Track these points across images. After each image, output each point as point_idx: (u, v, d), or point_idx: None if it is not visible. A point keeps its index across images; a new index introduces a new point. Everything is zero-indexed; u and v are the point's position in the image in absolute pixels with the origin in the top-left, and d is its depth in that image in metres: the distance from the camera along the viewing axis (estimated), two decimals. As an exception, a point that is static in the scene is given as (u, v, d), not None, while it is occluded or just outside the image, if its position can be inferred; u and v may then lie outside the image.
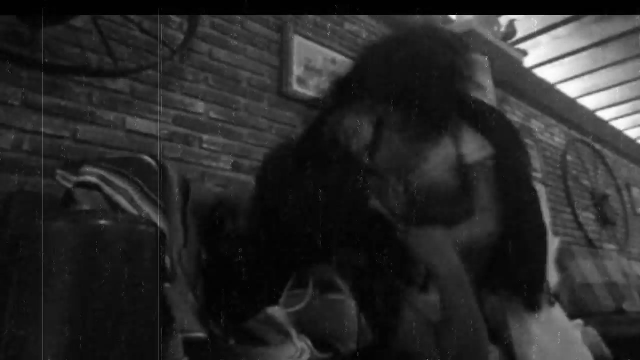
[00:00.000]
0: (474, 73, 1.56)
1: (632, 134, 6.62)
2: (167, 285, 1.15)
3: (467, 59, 1.54)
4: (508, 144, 1.54)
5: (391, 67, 1.44)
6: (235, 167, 2.48)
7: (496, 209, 1.52)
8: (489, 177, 1.52)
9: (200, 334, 1.10)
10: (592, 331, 1.94)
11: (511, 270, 1.47)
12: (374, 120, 1.53)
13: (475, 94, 1.59)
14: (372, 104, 1.50)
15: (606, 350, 1.95)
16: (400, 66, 1.43)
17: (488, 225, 1.53)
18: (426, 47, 1.46)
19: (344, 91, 1.57)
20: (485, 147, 1.52)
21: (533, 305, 1.47)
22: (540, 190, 1.78)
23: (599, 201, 5.69)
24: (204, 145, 2.39)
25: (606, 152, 6.42)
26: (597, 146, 6.23)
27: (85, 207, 1.19)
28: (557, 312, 1.52)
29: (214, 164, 2.40)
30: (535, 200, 1.57)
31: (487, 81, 3.75)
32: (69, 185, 1.27)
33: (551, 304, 1.50)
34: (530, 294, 1.47)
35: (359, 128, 1.56)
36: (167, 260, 1.26)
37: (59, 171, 1.32)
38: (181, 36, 2.41)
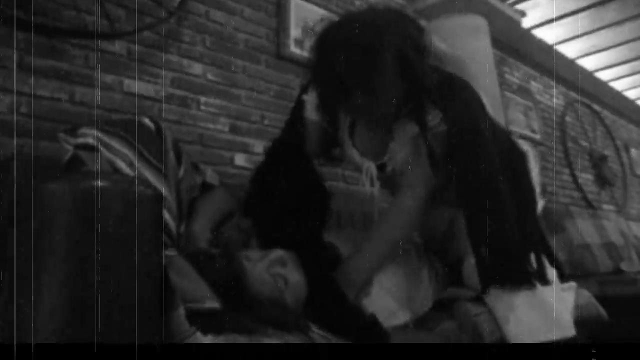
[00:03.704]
0: (429, 45, 1.51)
1: (631, 94, 6.59)
2: (171, 253, 1.15)
3: (418, 33, 1.50)
4: (461, 110, 1.53)
5: (339, 57, 1.41)
6: (234, 130, 2.48)
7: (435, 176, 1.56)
8: (438, 145, 1.53)
9: (214, 305, 1.10)
10: (586, 293, 1.96)
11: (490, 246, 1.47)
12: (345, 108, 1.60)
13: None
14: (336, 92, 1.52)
15: (602, 311, 1.97)
16: (347, 56, 1.40)
17: (418, 196, 1.59)
18: (374, 29, 1.42)
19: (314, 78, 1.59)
20: (434, 115, 1.53)
21: (512, 282, 1.47)
22: (529, 152, 1.77)
23: (597, 162, 5.69)
24: (202, 108, 2.38)
25: (605, 113, 6.40)
26: (596, 107, 6.21)
27: (93, 168, 1.18)
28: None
29: (212, 126, 2.40)
30: (506, 166, 1.58)
31: (485, 42, 3.74)
32: (69, 148, 1.26)
33: (538, 280, 1.50)
34: (510, 271, 1.48)
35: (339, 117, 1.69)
36: (171, 223, 1.25)
37: (60, 134, 1.31)
38: (177, -3, 2.38)
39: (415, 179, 1.59)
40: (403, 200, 1.62)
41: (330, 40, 1.46)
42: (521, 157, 1.70)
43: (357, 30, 1.41)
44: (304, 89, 1.71)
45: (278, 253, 1.41)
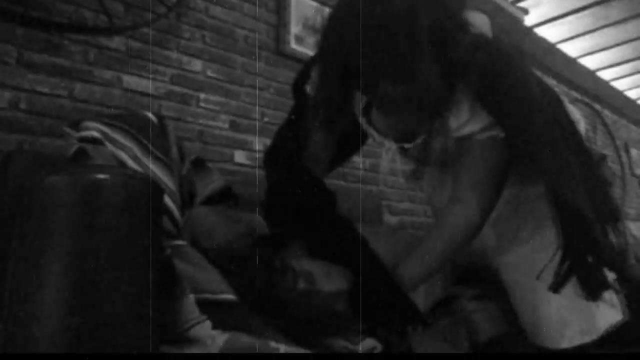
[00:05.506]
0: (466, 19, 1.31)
1: (632, 94, 6.59)
2: (181, 242, 1.14)
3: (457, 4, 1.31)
4: (521, 116, 1.29)
5: (358, 35, 1.11)
6: (233, 127, 2.47)
7: (491, 186, 1.39)
8: (488, 152, 1.36)
9: (228, 296, 1.09)
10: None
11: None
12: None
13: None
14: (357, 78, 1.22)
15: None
16: (372, 34, 1.11)
17: (471, 211, 1.38)
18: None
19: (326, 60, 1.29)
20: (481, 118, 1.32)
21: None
22: (580, 121, 1.61)
23: (597, 162, 5.68)
24: (202, 104, 2.37)
25: (606, 112, 6.39)
26: (597, 107, 6.20)
27: (98, 162, 1.18)
28: None
29: (211, 123, 2.39)
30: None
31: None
32: (74, 141, 1.25)
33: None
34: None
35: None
36: (177, 214, 1.25)
37: (65, 128, 1.30)
38: (177, -7, 2.37)
39: (468, 195, 1.38)
40: (450, 221, 1.42)
41: (348, 14, 1.17)
42: (572, 125, 1.50)
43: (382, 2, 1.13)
44: (303, 78, 1.52)
45: (343, 285, 1.26)
